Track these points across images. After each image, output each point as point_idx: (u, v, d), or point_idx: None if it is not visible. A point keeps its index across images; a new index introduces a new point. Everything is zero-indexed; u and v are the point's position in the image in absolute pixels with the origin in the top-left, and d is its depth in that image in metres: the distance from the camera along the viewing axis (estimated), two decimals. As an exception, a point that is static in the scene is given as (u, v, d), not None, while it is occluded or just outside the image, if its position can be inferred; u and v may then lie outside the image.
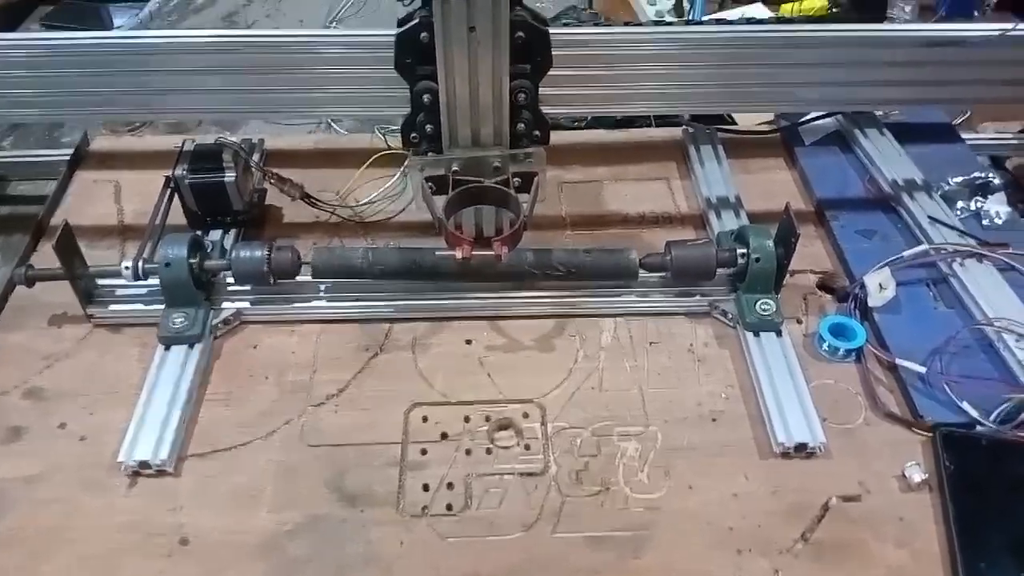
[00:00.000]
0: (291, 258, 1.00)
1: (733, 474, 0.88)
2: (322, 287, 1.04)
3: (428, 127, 0.97)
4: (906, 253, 1.06)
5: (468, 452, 0.90)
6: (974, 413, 0.90)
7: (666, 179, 1.26)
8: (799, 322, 1.04)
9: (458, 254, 0.91)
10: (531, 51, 0.91)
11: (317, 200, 1.15)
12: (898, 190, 1.16)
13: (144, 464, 0.86)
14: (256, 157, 1.17)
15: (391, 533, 0.83)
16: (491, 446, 0.91)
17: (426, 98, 0.94)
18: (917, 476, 0.86)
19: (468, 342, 1.02)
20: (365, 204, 1.19)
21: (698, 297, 1.04)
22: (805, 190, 1.23)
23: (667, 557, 0.81)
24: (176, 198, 1.09)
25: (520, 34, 0.90)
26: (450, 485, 0.87)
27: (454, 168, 0.98)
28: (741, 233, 1.02)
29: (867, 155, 1.24)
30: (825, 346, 0.99)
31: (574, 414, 0.93)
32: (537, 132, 0.99)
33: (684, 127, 1.31)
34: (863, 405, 0.94)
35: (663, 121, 1.36)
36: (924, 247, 1.07)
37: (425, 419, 0.93)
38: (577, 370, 0.98)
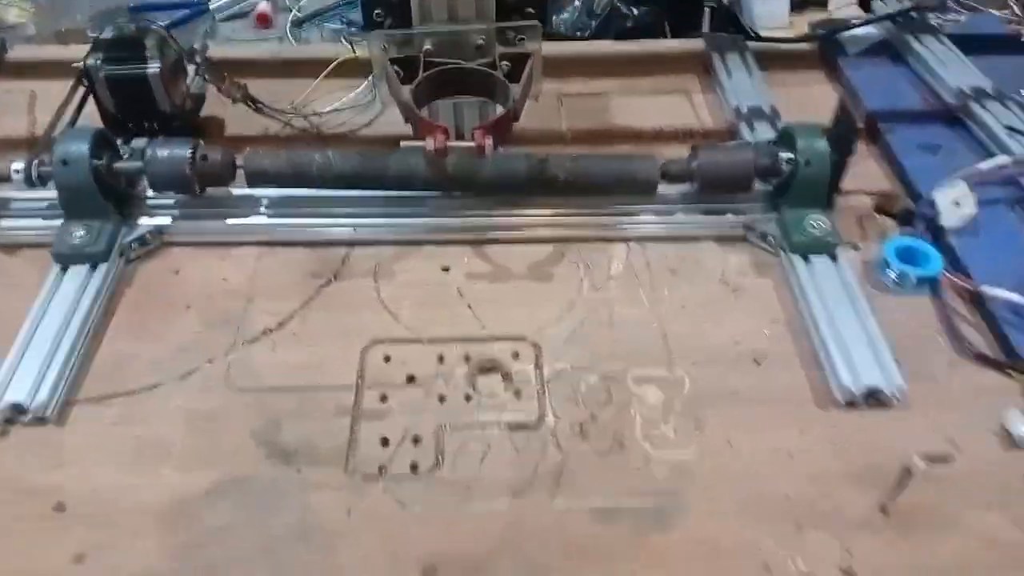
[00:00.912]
0: (222, 159, 0.79)
1: (784, 428, 0.68)
2: (264, 202, 0.84)
3: None
4: (982, 165, 0.86)
5: (441, 399, 0.70)
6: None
7: (686, 92, 1.06)
8: (855, 248, 0.84)
9: (429, 144, 0.71)
10: None
11: (264, 106, 0.95)
12: (964, 99, 0.96)
13: (18, 408, 0.66)
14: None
15: (336, 500, 0.63)
16: (471, 392, 0.70)
17: None
18: (1020, 428, 0.66)
19: (445, 269, 0.82)
20: (326, 113, 0.99)
21: (730, 216, 0.84)
22: (852, 104, 1.03)
23: (700, 533, 0.61)
24: (92, 97, 0.89)
25: None
26: (416, 440, 0.67)
27: (426, 47, 0.79)
28: (785, 134, 0.82)
29: (924, 64, 1.04)
30: (892, 274, 0.79)
31: (577, 354, 0.73)
32: (531, 8, 0.80)
33: (704, 35, 1.11)
34: (944, 345, 0.74)
35: (680, 31, 1.15)
36: (1004, 158, 0.87)
37: (387, 359, 0.73)
38: (581, 302, 0.78)
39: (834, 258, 0.79)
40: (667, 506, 0.62)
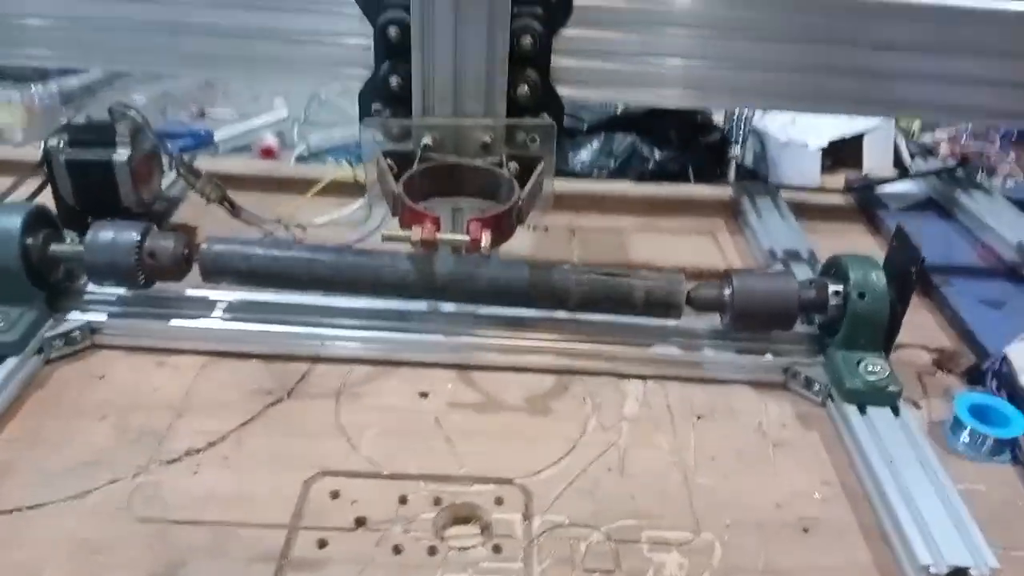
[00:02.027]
0: (175, 248, 0.68)
1: (846, 618, 0.51)
2: (220, 304, 0.72)
3: (394, 79, 0.69)
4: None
5: (397, 550, 0.54)
6: None
7: (711, 233, 0.96)
8: (917, 406, 0.70)
9: (415, 234, 0.60)
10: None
11: (243, 209, 0.85)
12: (1026, 255, 0.86)
13: None
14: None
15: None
16: (436, 544, 0.54)
17: (392, 32, 0.67)
18: None
19: (423, 395, 0.68)
20: (314, 227, 0.88)
21: (769, 358, 0.71)
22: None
23: None
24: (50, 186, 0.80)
25: None
26: (358, 603, 0.50)
27: (425, 142, 0.69)
28: (835, 265, 0.70)
29: (976, 220, 0.95)
30: (965, 437, 0.65)
31: (578, 506, 0.58)
32: (544, 113, 0.72)
33: (733, 182, 1.03)
34: (1037, 519, 0.59)
35: (703, 178, 1.07)
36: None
37: (335, 495, 0.57)
38: (585, 444, 0.63)
39: (896, 411, 0.65)
40: None
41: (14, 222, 0.66)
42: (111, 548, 0.52)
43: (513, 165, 0.70)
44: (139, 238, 0.67)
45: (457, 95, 0.69)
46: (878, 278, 0.67)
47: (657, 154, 1.06)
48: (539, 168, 0.69)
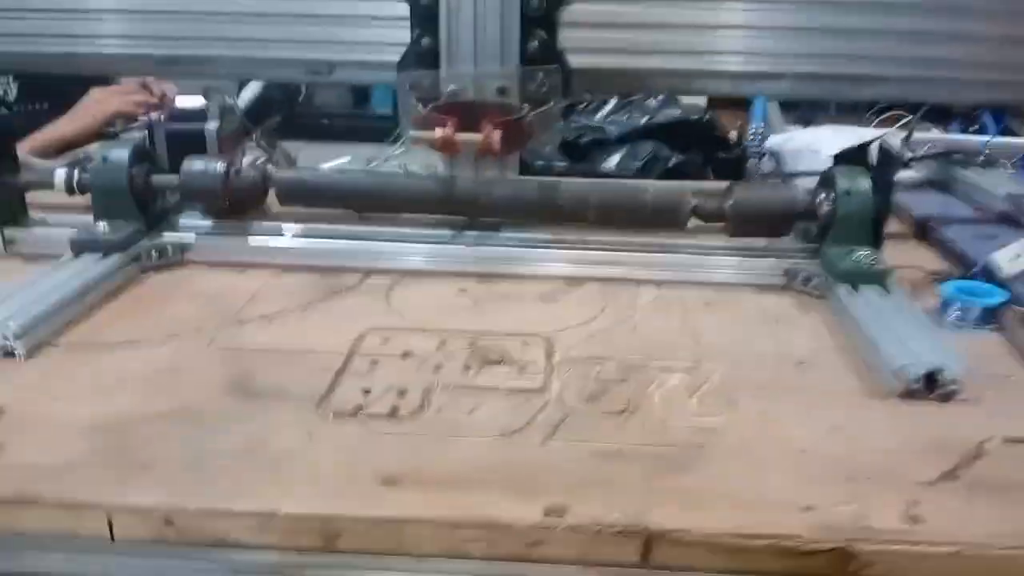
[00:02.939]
0: (255, 175, 0.81)
1: (830, 409, 0.58)
2: (290, 229, 0.83)
3: (424, 40, 0.82)
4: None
5: (437, 368, 0.62)
6: None
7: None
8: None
9: (438, 133, 0.72)
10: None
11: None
12: (1015, 200, 0.93)
13: (-13, 336, 0.62)
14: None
15: (296, 427, 0.54)
16: (470, 365, 0.63)
17: (424, 1, 0.80)
18: None
19: (462, 290, 0.77)
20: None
21: (771, 261, 0.79)
22: (898, 218, 1.01)
23: (730, 480, 0.50)
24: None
25: None
26: (401, 392, 0.59)
27: (451, 88, 0.81)
28: (826, 176, 0.79)
29: (972, 186, 1.03)
30: (954, 311, 0.71)
31: (594, 349, 0.66)
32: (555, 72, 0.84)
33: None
34: (1018, 363, 0.64)
35: (721, 177, 1.18)
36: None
37: (386, 340, 0.67)
38: (603, 317, 0.72)
39: (887, 290, 0.72)
40: (688, 456, 0.52)
41: (123, 154, 0.80)
42: (195, 366, 0.62)
43: (527, 106, 0.81)
44: (226, 166, 0.80)
45: (477, 52, 0.82)
46: (863, 181, 0.76)
47: (677, 159, 1.18)
48: (548, 104, 0.81)
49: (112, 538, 0.47)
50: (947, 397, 0.59)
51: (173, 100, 1.09)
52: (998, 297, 0.70)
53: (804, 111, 1.78)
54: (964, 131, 1.59)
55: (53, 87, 1.47)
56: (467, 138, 0.72)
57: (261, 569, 0.47)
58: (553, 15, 0.81)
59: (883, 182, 0.76)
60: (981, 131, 1.66)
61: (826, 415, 0.57)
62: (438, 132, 0.72)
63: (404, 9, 0.82)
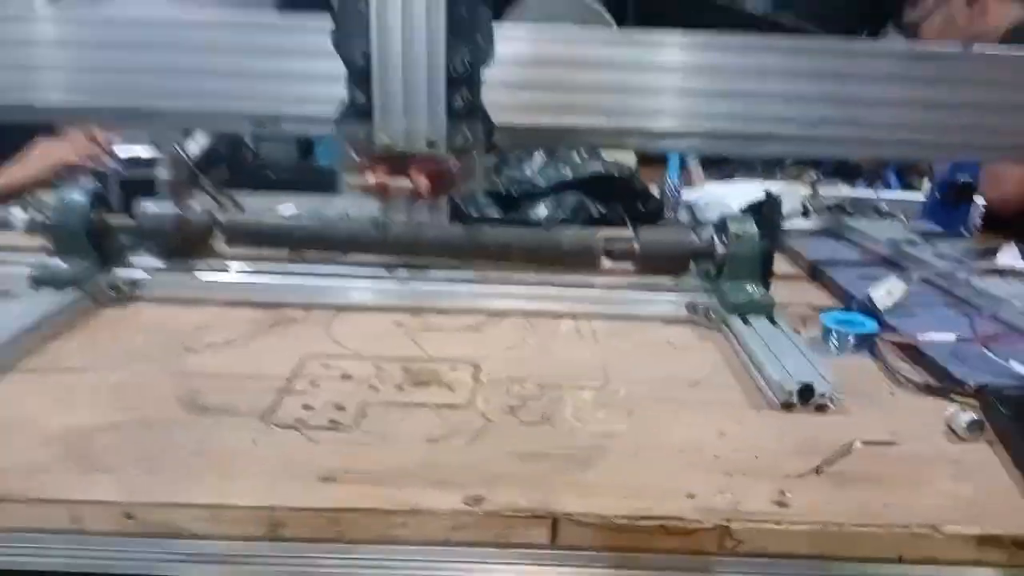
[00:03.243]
0: (204, 217, 0.87)
1: (718, 419, 0.66)
2: (234, 266, 0.90)
3: (359, 98, 0.89)
4: (913, 272, 0.92)
5: (373, 388, 0.69)
6: (1025, 371, 0.70)
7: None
8: (797, 332, 0.86)
9: (371, 179, 0.80)
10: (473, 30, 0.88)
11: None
12: (898, 247, 1.05)
13: (-52, 359, 0.66)
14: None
15: (243, 434, 0.60)
16: (403, 386, 0.70)
17: (358, 61, 0.88)
18: (964, 419, 0.64)
19: (398, 323, 0.84)
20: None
21: (675, 296, 0.88)
22: (794, 262, 1.12)
23: (627, 475, 0.57)
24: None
25: (461, 9, 0.88)
26: (339, 407, 0.65)
27: (384, 140, 0.89)
28: (720, 222, 0.89)
29: (860, 234, 1.15)
30: (833, 339, 0.81)
31: (514, 371, 0.73)
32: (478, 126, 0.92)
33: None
34: (887, 384, 0.74)
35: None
36: (935, 265, 0.94)
37: (326, 365, 0.73)
38: (524, 345, 0.80)
39: (773, 321, 0.82)
40: (591, 456, 0.59)
41: (81, 197, 0.86)
42: (147, 387, 0.68)
43: (451, 156, 0.89)
44: (177, 209, 0.87)
45: (407, 107, 0.90)
46: (750, 226, 0.86)
47: (600, 209, 1.28)
48: (471, 155, 0.89)
49: (78, 531, 0.52)
50: (820, 408, 0.68)
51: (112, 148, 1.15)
52: (868, 327, 0.81)
53: (726, 168, 1.93)
54: (869, 187, 1.74)
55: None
56: (398, 184, 0.80)
57: (212, 557, 0.53)
58: (475, 76, 0.90)
59: (769, 227, 0.86)
60: (885, 186, 1.82)
61: (713, 423, 0.65)
62: (371, 178, 0.80)
63: (341, 68, 0.90)
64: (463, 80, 0.88)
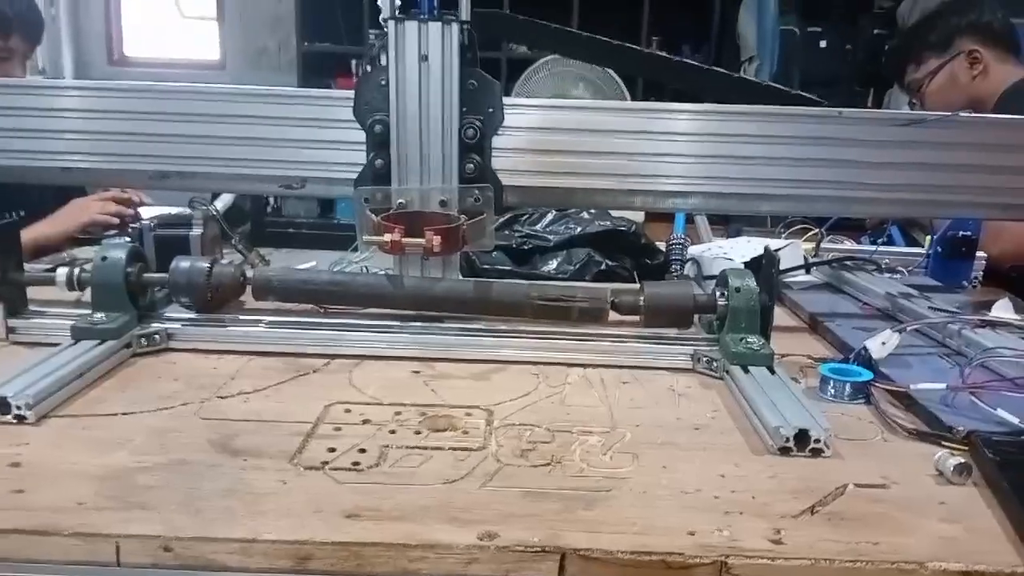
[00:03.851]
0: (234, 272, 0.93)
1: (719, 463, 0.70)
2: (263, 320, 0.95)
3: (378, 162, 0.96)
4: (907, 324, 0.96)
5: (392, 432, 0.74)
6: (1014, 420, 0.73)
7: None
8: (796, 381, 0.90)
9: (387, 237, 0.85)
10: (483, 100, 0.95)
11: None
12: (895, 300, 1.09)
13: (2, 404, 0.71)
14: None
15: (272, 476, 0.65)
16: (421, 431, 0.74)
17: (378, 128, 0.95)
18: (952, 462, 0.67)
19: (415, 372, 0.89)
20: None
21: (678, 346, 0.92)
22: (794, 313, 1.16)
23: (631, 514, 0.61)
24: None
25: (472, 82, 0.95)
26: (361, 450, 0.70)
27: (399, 202, 0.95)
28: (722, 277, 0.94)
29: (860, 288, 1.19)
30: (830, 388, 0.85)
31: (527, 417, 0.78)
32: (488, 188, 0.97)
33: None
34: (881, 429, 0.78)
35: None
36: (929, 318, 0.98)
37: (348, 410, 0.78)
38: (536, 393, 0.84)
39: (772, 371, 0.86)
40: (598, 496, 0.63)
41: (120, 255, 0.91)
42: (182, 431, 0.72)
43: (463, 218, 0.95)
44: (209, 265, 0.92)
45: (422, 171, 0.96)
46: (749, 280, 0.91)
47: (608, 263, 1.33)
48: (481, 216, 0.95)
49: (119, 563, 0.56)
50: (816, 453, 0.71)
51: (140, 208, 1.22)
52: (864, 376, 0.84)
53: (733, 227, 1.98)
54: (873, 243, 1.78)
55: (30, 196, 1.59)
56: (411, 242, 0.86)
57: (244, 588, 0.57)
58: (486, 143, 0.97)
59: (767, 281, 0.91)
60: (889, 243, 1.86)
61: (713, 466, 0.69)
62: (387, 236, 0.85)
63: (361, 135, 0.97)
64: (474, 146, 0.95)
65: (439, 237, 0.86)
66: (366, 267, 1.11)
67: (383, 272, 0.90)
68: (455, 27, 0.92)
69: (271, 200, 1.65)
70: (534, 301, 0.92)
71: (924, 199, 1.03)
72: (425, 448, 0.71)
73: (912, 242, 1.91)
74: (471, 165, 0.96)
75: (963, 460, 0.67)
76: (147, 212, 1.29)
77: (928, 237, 1.54)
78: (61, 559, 0.57)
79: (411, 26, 0.92)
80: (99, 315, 0.89)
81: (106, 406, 0.77)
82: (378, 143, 0.96)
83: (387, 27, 0.92)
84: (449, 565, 0.56)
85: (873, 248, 1.39)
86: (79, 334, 0.86)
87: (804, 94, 1.04)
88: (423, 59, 0.93)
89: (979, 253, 1.41)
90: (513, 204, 1.02)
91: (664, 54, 1.44)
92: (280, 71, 4.52)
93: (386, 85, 0.94)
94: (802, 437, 0.71)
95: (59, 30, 1.97)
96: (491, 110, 0.97)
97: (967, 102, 1.84)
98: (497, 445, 0.71)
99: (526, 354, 0.92)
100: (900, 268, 1.37)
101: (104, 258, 0.90)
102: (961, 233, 1.39)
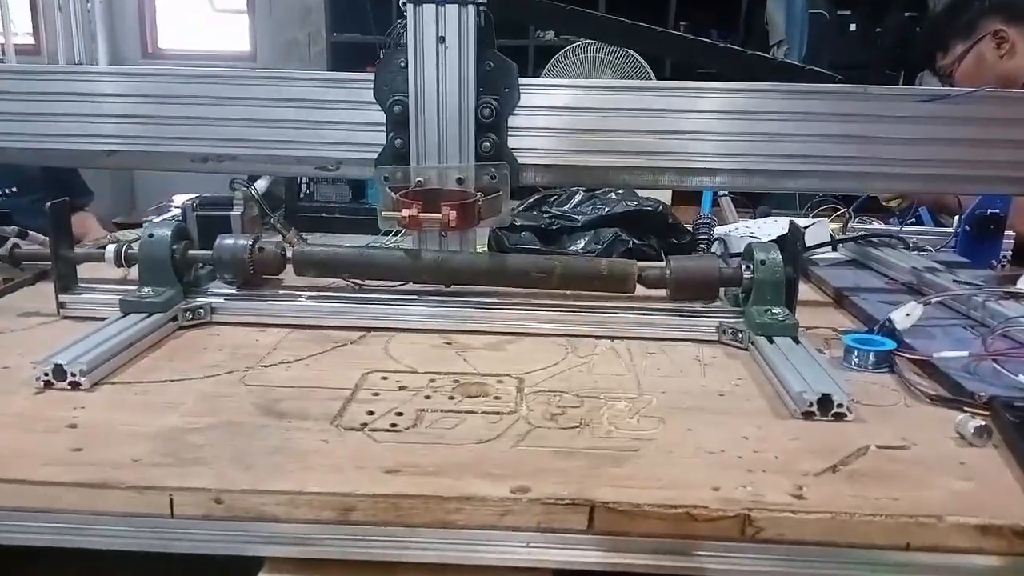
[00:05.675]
0: (275, 248, 0.96)
1: (743, 426, 0.72)
2: (302, 295, 0.99)
3: (397, 142, 0.99)
4: (932, 296, 0.97)
5: (427, 397, 0.77)
6: (1035, 385, 0.75)
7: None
8: (821, 352, 0.92)
9: (404, 213, 0.88)
10: (500, 80, 0.98)
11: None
12: (920, 275, 1.10)
13: (58, 371, 0.75)
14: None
15: (315, 436, 0.68)
16: (455, 396, 0.77)
17: (397, 109, 0.98)
18: (972, 424, 0.69)
19: (447, 343, 0.92)
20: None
21: (704, 319, 0.94)
22: (819, 288, 1.18)
23: (657, 471, 0.64)
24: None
25: (489, 63, 0.98)
26: (399, 413, 0.73)
27: (418, 179, 0.98)
28: (747, 250, 0.96)
29: (885, 263, 1.20)
30: (854, 357, 0.87)
31: (556, 384, 0.81)
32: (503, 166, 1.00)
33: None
34: (904, 395, 0.79)
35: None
36: (953, 290, 0.99)
37: (385, 378, 0.81)
38: (565, 362, 0.87)
39: (796, 341, 0.88)
40: (626, 455, 0.66)
41: (166, 232, 0.95)
42: (229, 396, 0.76)
43: (479, 194, 0.98)
44: (251, 242, 0.96)
45: (440, 150, 0.99)
46: (775, 253, 0.93)
47: (635, 242, 1.35)
48: (497, 192, 0.98)
49: (172, 515, 0.60)
50: (838, 417, 0.73)
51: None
52: (887, 346, 0.86)
53: (763, 207, 1.99)
54: (903, 223, 1.78)
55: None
56: (429, 217, 0.89)
57: (291, 538, 0.60)
58: (501, 122, 0.99)
59: (792, 254, 0.92)
60: (917, 223, 1.86)
61: (737, 429, 0.71)
62: (405, 212, 0.88)
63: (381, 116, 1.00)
64: (491, 125, 0.98)
65: (455, 212, 0.88)
66: (398, 245, 1.14)
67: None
68: (471, 9, 0.95)
69: (304, 186, 1.69)
70: (557, 269, 0.94)
71: (951, 174, 1.04)
72: (459, 412, 0.74)
73: (940, 225, 1.90)
74: (487, 144, 0.99)
75: (983, 423, 0.69)
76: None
77: (956, 217, 1.54)
78: (119, 511, 0.60)
79: (429, 9, 0.95)
80: (146, 289, 0.93)
81: (156, 374, 0.81)
82: (398, 123, 0.99)
83: (406, 10, 0.95)
84: (483, 516, 0.59)
85: (899, 228, 1.39)
86: (128, 307, 0.90)
87: (818, 69, 1.06)
88: (441, 41, 0.96)
89: (1007, 232, 1.40)
90: (538, 184, 1.04)
91: (685, 35, 1.44)
92: (310, 62, 4.57)
93: (405, 67, 0.97)
94: (825, 402, 0.73)
95: (94, 23, 2.03)
96: (507, 90, 0.99)
97: (998, 82, 1.83)
98: (528, 409, 0.74)
99: (555, 327, 0.95)
100: (927, 247, 1.37)
101: (151, 235, 0.94)
102: (990, 211, 1.38)
